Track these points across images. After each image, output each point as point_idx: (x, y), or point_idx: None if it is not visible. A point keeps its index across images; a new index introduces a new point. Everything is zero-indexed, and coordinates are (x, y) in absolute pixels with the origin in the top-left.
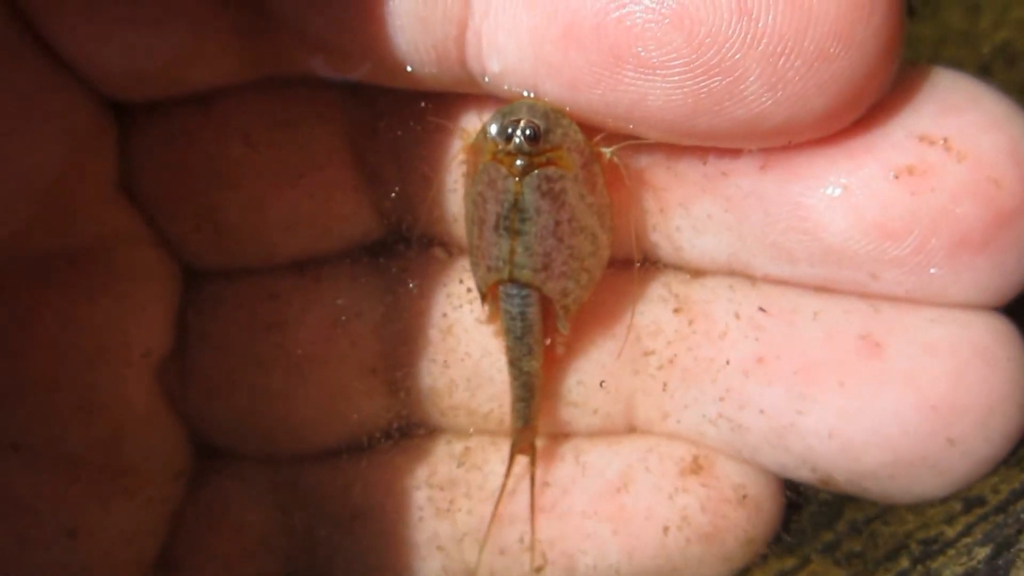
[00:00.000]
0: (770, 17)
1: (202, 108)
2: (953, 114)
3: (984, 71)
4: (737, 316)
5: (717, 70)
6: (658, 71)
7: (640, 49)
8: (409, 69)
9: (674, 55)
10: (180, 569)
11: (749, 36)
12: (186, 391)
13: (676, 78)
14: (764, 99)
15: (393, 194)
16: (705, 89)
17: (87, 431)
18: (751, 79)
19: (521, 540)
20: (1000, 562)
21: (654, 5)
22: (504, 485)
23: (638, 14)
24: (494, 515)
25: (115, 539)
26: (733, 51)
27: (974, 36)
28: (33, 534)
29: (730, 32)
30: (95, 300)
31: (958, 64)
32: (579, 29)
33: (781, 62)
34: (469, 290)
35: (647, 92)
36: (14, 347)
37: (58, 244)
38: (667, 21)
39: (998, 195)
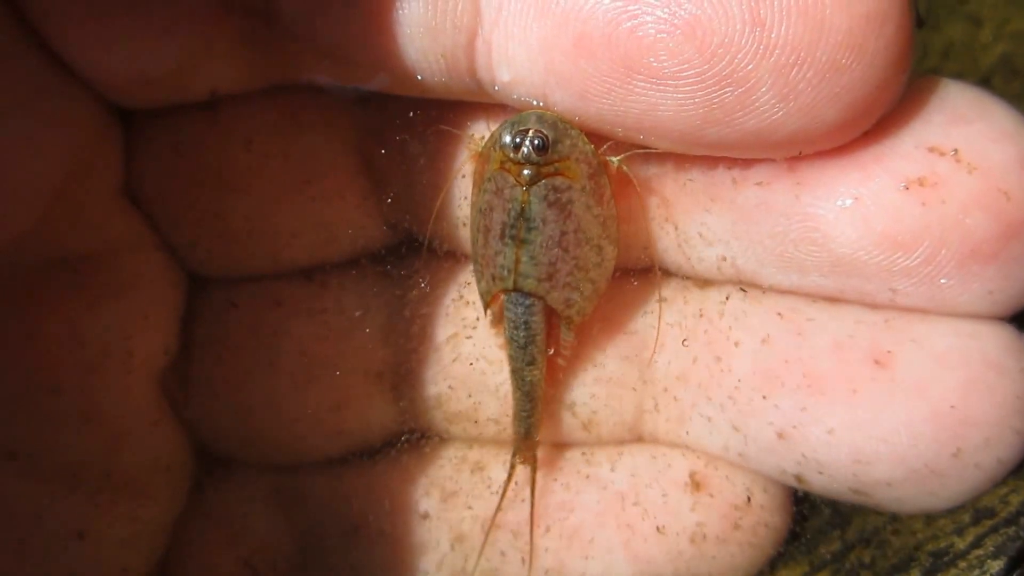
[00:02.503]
0: (783, 28)
1: (208, 114)
2: (962, 125)
3: (984, 83)
4: (746, 326)
5: (729, 81)
6: (670, 82)
7: (652, 60)
8: (418, 78)
9: (686, 66)
10: None
11: (762, 47)
12: (189, 398)
13: (688, 89)
14: (776, 110)
15: (400, 201)
16: (717, 100)
17: (88, 438)
18: (763, 90)
19: (522, 550)
20: None
21: (666, 16)
22: (503, 495)
23: (650, 25)
24: (491, 524)
25: (115, 546)
26: (745, 62)
27: (975, 49)
28: (35, 541)
29: (743, 43)
30: (98, 307)
31: (960, 77)
32: (590, 39)
33: (793, 73)
34: (471, 301)
35: (658, 103)
36: (15, 354)
37: (61, 250)
38: (679, 32)
39: (1007, 207)
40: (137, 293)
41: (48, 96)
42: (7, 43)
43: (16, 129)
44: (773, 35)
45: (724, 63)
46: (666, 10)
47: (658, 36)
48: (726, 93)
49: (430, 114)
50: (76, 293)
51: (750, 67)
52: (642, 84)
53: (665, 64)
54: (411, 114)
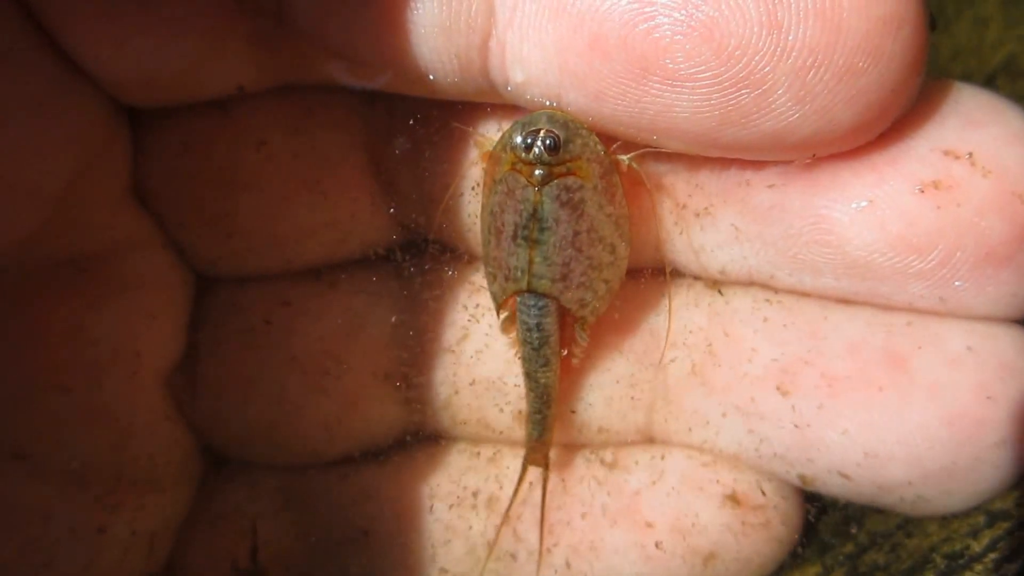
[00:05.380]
0: (800, 31)
1: (218, 114)
2: (977, 128)
3: (989, 84)
4: (759, 328)
5: (746, 83)
6: (686, 83)
7: (668, 61)
8: (431, 78)
9: (703, 68)
10: None
11: (779, 49)
12: (197, 399)
13: (704, 90)
14: (791, 112)
15: (409, 200)
16: (733, 102)
17: (95, 439)
18: (779, 92)
19: (532, 551)
20: None
21: (683, 17)
22: (514, 496)
23: (666, 26)
24: (501, 526)
25: (123, 546)
26: (762, 64)
27: (982, 49)
28: (44, 540)
29: (760, 45)
30: (105, 307)
31: (967, 77)
32: (606, 40)
33: (810, 75)
34: (481, 302)
35: (673, 104)
36: (22, 354)
37: (68, 250)
38: (696, 34)
39: (1022, 209)
40: (144, 293)
41: (57, 95)
42: (16, 41)
43: (24, 128)
44: (790, 38)
45: (741, 65)
46: (683, 12)
47: (675, 38)
48: (742, 95)
49: (440, 114)
50: (83, 292)
51: (767, 69)
52: (658, 86)
53: (681, 66)
54: (421, 114)
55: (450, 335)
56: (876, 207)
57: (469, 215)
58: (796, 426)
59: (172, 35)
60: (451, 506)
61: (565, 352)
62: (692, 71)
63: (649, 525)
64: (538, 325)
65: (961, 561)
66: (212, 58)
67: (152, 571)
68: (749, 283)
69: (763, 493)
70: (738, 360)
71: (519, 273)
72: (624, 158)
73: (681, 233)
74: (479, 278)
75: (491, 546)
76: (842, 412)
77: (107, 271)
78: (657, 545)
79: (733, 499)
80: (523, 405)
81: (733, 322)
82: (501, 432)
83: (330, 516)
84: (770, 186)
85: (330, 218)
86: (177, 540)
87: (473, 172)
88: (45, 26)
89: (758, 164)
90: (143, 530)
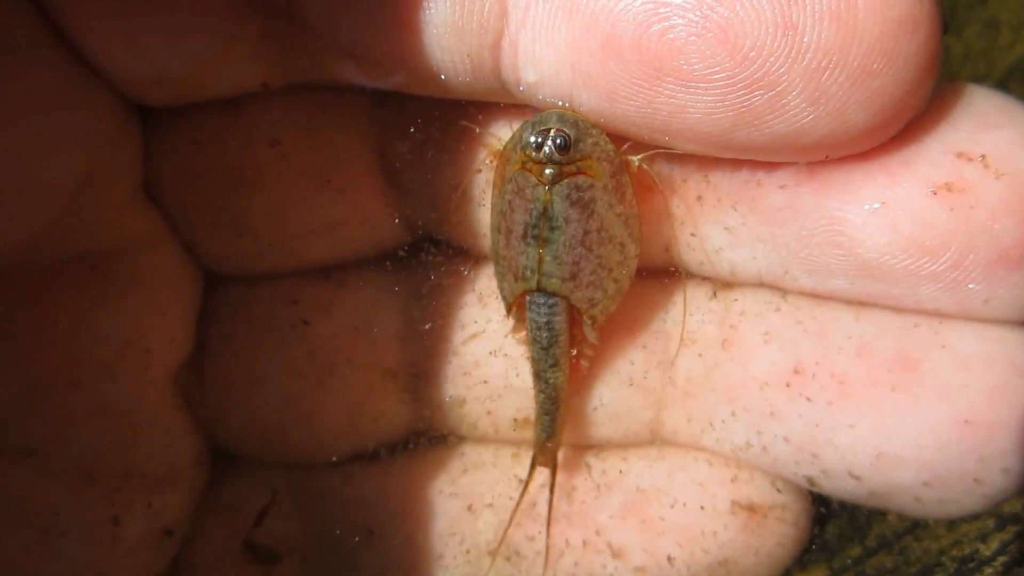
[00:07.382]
0: (815, 32)
1: (229, 112)
2: (990, 131)
3: (1001, 87)
4: (770, 329)
5: (760, 84)
6: (700, 84)
7: (682, 62)
8: (443, 77)
9: (717, 69)
10: (196, 574)
11: (794, 51)
12: (205, 396)
13: (718, 91)
14: (805, 114)
15: (418, 200)
16: (747, 103)
17: (105, 435)
18: (793, 94)
19: (539, 551)
20: None
21: (697, 18)
22: (521, 497)
23: (681, 27)
24: (508, 526)
25: (132, 541)
26: (777, 66)
27: (993, 52)
28: (52, 536)
29: (775, 46)
30: (114, 304)
31: (978, 81)
32: (619, 41)
33: (824, 77)
34: (490, 302)
35: (687, 105)
36: (31, 351)
37: (78, 247)
38: (711, 35)
39: None
40: (154, 290)
41: (68, 93)
42: (28, 38)
43: (35, 125)
44: (805, 39)
45: (756, 67)
46: (697, 13)
47: (689, 39)
48: (756, 96)
49: (450, 114)
50: (93, 289)
51: (781, 71)
52: (671, 87)
53: (696, 67)
54: (431, 114)
55: (459, 335)
56: (889, 209)
57: (478, 214)
58: (803, 429)
59: (183, 33)
60: (458, 506)
61: (574, 352)
62: (706, 72)
63: (660, 527)
64: (547, 324)
65: (970, 565)
66: (223, 57)
67: (159, 568)
68: (759, 284)
69: (779, 492)
70: (748, 361)
71: (529, 272)
72: (634, 159)
73: (692, 233)
74: (489, 277)
75: (497, 547)
76: (852, 415)
77: (117, 268)
78: (663, 545)
79: (742, 501)
80: (532, 406)
81: (743, 323)
82: (509, 433)
83: (337, 512)
84: (782, 187)
85: (341, 217)
86: (186, 535)
87: (482, 170)
88: (57, 23)
89: (769, 165)
90: (153, 525)
